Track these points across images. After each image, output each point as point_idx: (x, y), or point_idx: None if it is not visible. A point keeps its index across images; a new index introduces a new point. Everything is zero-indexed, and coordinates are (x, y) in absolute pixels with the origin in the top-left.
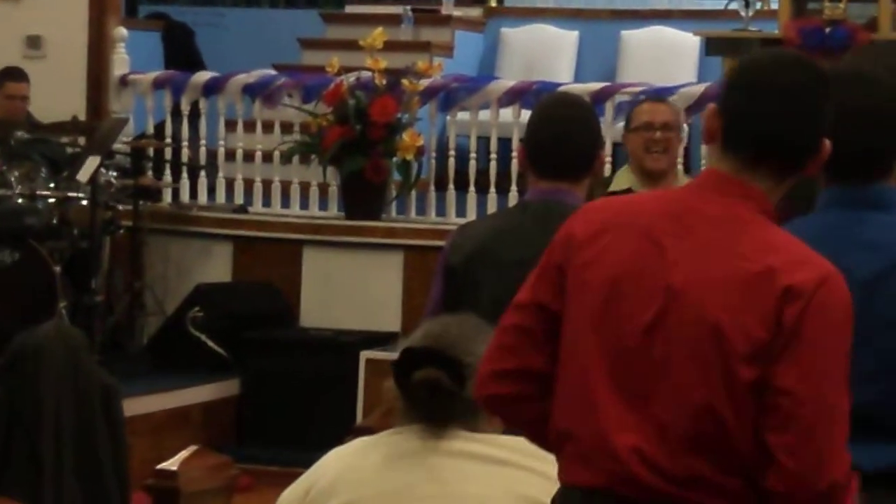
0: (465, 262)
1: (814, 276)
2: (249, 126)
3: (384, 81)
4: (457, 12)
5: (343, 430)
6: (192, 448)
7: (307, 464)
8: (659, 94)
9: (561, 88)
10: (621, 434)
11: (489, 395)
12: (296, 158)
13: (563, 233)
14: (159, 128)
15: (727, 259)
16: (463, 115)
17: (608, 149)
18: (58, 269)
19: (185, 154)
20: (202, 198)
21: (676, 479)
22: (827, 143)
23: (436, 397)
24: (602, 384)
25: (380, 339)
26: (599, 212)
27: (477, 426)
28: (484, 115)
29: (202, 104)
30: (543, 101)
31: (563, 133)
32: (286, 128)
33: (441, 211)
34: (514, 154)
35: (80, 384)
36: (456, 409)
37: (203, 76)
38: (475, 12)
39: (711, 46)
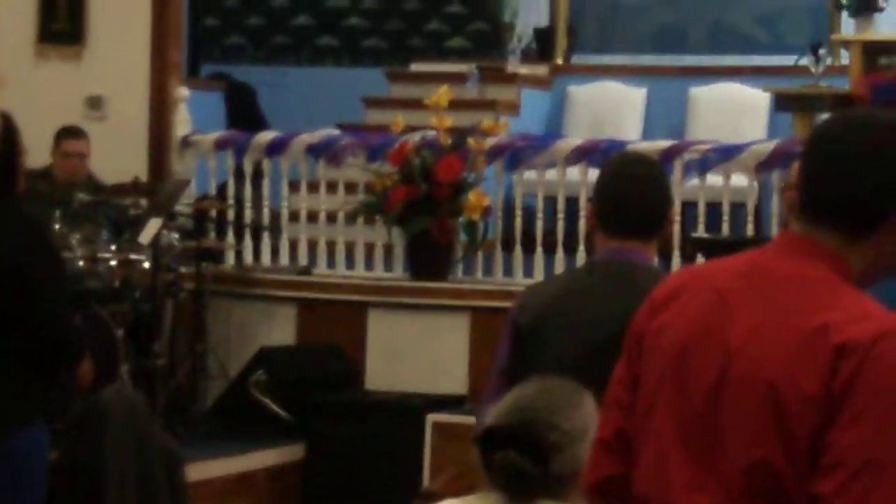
0: (532, 322)
1: (871, 330)
2: (313, 186)
3: (449, 140)
4: (523, 70)
5: (409, 495)
6: None
7: None
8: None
9: (629, 146)
10: (691, 497)
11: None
12: (360, 219)
13: (647, 301)
14: (222, 189)
15: (787, 316)
16: (529, 175)
17: (677, 207)
18: (120, 332)
19: (248, 215)
20: (265, 259)
21: None
22: None
23: (517, 478)
24: (674, 448)
25: (446, 403)
26: (678, 276)
27: (565, 497)
28: (551, 174)
29: (265, 164)
30: (613, 159)
31: (632, 192)
32: (350, 188)
33: (508, 271)
34: (582, 213)
35: (143, 450)
36: (539, 487)
37: (266, 136)
38: (541, 70)
39: (781, 103)
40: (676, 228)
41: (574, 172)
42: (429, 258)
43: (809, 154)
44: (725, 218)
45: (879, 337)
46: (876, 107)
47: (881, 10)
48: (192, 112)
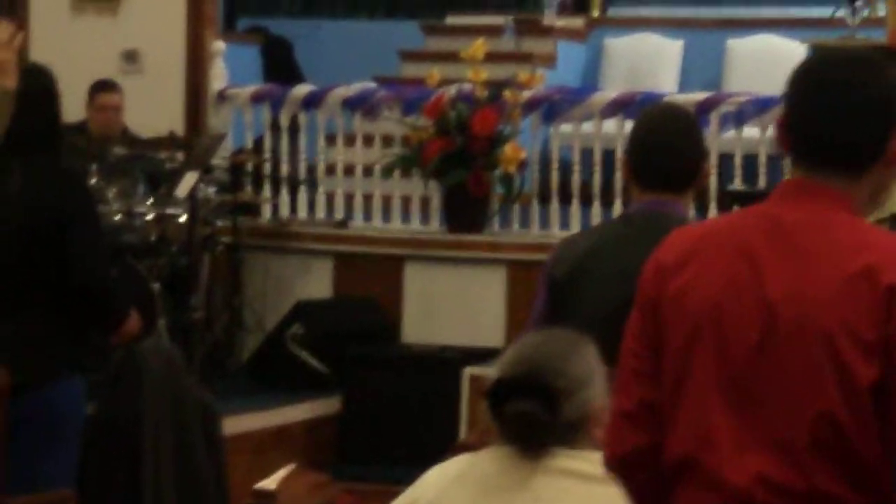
0: (567, 274)
1: None
2: (349, 140)
3: (485, 93)
4: (559, 23)
5: (445, 448)
6: (291, 466)
7: (409, 481)
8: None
9: (665, 99)
10: (743, 458)
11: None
12: (397, 172)
13: (652, 265)
14: (258, 142)
15: (823, 264)
16: (566, 127)
17: (714, 160)
18: (156, 286)
19: (285, 169)
20: (302, 213)
21: (802, 498)
22: None
23: (530, 427)
24: (718, 409)
25: (483, 355)
26: (685, 238)
27: (576, 443)
28: (587, 126)
29: (301, 118)
30: (646, 112)
31: (666, 144)
32: (387, 141)
33: (544, 224)
34: (619, 166)
35: (180, 403)
36: (551, 434)
37: (302, 90)
38: (578, 22)
39: None
40: (713, 181)
41: (610, 125)
42: (465, 211)
43: (805, 97)
44: (762, 170)
45: None
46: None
47: None
48: (228, 66)
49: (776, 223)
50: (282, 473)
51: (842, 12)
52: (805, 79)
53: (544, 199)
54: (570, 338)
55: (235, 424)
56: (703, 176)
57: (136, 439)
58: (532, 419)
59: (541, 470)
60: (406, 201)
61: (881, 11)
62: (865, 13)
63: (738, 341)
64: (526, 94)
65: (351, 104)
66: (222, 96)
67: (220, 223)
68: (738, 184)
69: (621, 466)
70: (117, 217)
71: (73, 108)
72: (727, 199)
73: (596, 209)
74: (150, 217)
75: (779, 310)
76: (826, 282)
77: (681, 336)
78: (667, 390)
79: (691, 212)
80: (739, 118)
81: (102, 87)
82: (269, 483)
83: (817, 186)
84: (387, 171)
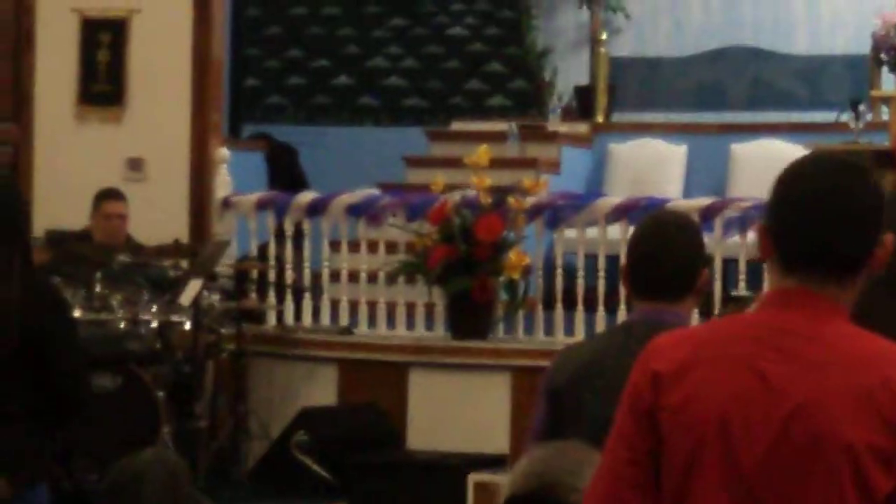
0: (568, 383)
1: None
2: (354, 246)
3: (489, 200)
4: (563, 128)
5: None
6: None
7: None
8: None
9: (669, 205)
10: None
11: None
12: (401, 279)
13: (645, 374)
14: (263, 249)
15: (836, 375)
16: (570, 233)
17: (718, 265)
18: (161, 394)
19: (289, 276)
20: (307, 320)
21: None
22: (889, 238)
23: None
24: None
25: (488, 462)
26: (678, 346)
27: None
28: (592, 232)
29: (306, 225)
30: (644, 219)
31: (659, 252)
32: (391, 248)
33: (549, 330)
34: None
35: None
36: None
37: (306, 197)
38: (582, 128)
39: None
40: (717, 286)
41: (615, 230)
42: (469, 318)
43: (797, 205)
44: (766, 276)
45: None
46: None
47: None
48: (233, 173)
49: (777, 333)
50: None
51: (845, 117)
52: (794, 186)
53: (549, 305)
54: (581, 451)
55: None
56: (703, 283)
57: None
58: None
59: None
60: (410, 308)
61: (884, 115)
62: (868, 117)
63: (748, 454)
64: (530, 200)
65: (355, 211)
66: (227, 203)
67: (224, 330)
68: (741, 289)
69: None
70: (122, 325)
71: (77, 216)
72: (731, 305)
73: (600, 315)
74: (154, 325)
75: (792, 422)
76: (843, 394)
77: (684, 449)
78: (667, 502)
79: (695, 318)
80: (743, 223)
81: (108, 195)
82: None
83: (813, 295)
84: (391, 278)
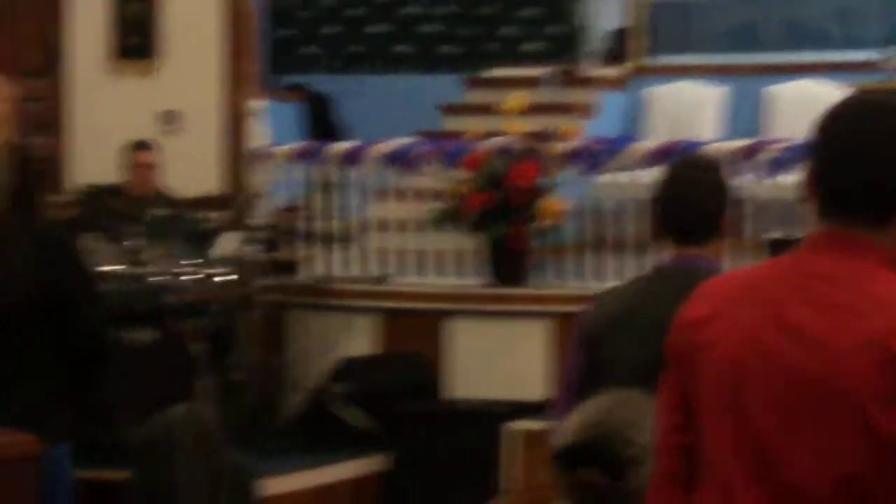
0: (601, 331)
1: None
2: (390, 195)
3: (525, 146)
4: (599, 72)
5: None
6: None
7: None
8: None
9: (705, 147)
10: None
11: None
12: (437, 227)
13: (678, 321)
14: (298, 200)
15: (853, 318)
16: (606, 178)
17: (753, 207)
18: (198, 347)
19: (325, 226)
20: (343, 270)
21: None
22: None
23: (597, 496)
24: (740, 470)
25: (527, 409)
26: (711, 292)
27: None
28: (627, 176)
29: (341, 175)
30: (671, 163)
31: (684, 196)
32: (427, 196)
33: (584, 275)
34: None
35: (213, 467)
36: (614, 501)
37: (341, 146)
38: (617, 72)
39: None
40: (751, 228)
41: (651, 174)
42: (506, 264)
43: (835, 145)
44: (806, 218)
45: None
46: None
47: None
48: (270, 123)
49: (807, 276)
50: None
51: (880, 55)
52: (833, 127)
53: (585, 251)
54: (639, 403)
55: (279, 485)
56: (727, 227)
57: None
58: (600, 489)
59: None
60: (447, 256)
61: None
62: None
63: (761, 400)
64: (565, 146)
65: (390, 159)
66: (262, 154)
67: (261, 282)
68: (777, 231)
69: None
70: (157, 278)
71: (112, 170)
72: (766, 247)
73: (636, 260)
74: (190, 278)
75: (804, 367)
76: (854, 335)
77: (707, 395)
78: (699, 449)
79: (728, 261)
80: (780, 164)
81: (137, 146)
82: None
83: (846, 238)
84: (427, 226)
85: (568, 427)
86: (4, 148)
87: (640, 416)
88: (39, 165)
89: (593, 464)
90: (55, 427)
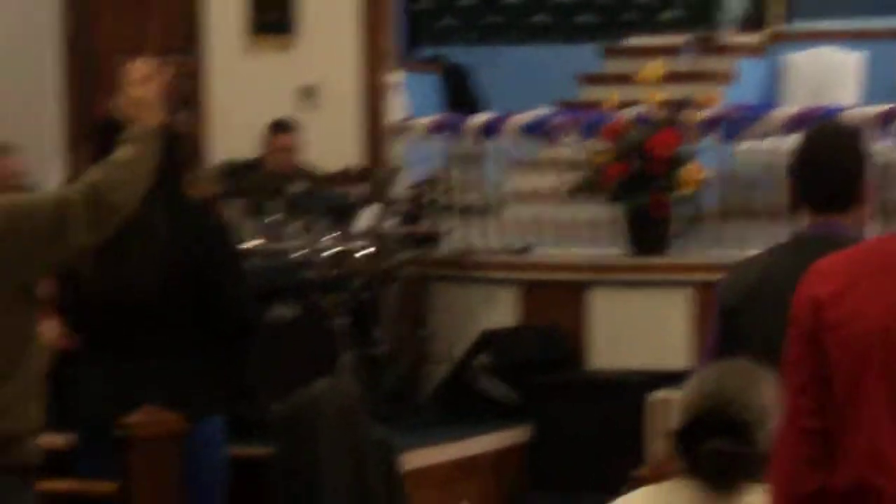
0: (739, 302)
1: None
2: (529, 166)
3: (664, 114)
4: (737, 39)
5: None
6: None
7: None
8: None
9: (845, 113)
10: None
11: None
12: (577, 197)
13: (805, 298)
14: (438, 172)
15: None
16: (746, 145)
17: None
18: (340, 321)
19: (466, 198)
20: (484, 242)
21: None
22: None
23: (726, 464)
24: (891, 433)
25: (669, 379)
26: (837, 268)
27: (762, 477)
28: (768, 143)
29: (480, 146)
30: (808, 131)
31: (822, 163)
32: (566, 166)
33: (727, 244)
34: None
35: (356, 442)
36: (747, 468)
37: (480, 118)
38: (756, 38)
39: None
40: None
41: (792, 141)
42: (647, 234)
43: None
44: None
45: None
46: None
47: None
48: (408, 96)
49: None
50: None
51: None
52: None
53: (726, 219)
54: (748, 369)
55: (422, 457)
56: (868, 193)
57: (314, 478)
58: (728, 456)
59: None
60: (587, 226)
61: None
62: None
63: None
64: (704, 114)
65: (529, 130)
66: (401, 127)
67: (402, 255)
68: None
69: None
70: (298, 253)
71: (250, 146)
72: None
73: (778, 227)
74: (331, 252)
75: None
76: None
77: (847, 364)
78: (835, 418)
79: (874, 227)
80: None
81: (278, 128)
82: None
83: None
84: (566, 197)
85: (682, 404)
86: (158, 130)
87: (749, 381)
88: (187, 144)
89: (716, 434)
90: (204, 404)
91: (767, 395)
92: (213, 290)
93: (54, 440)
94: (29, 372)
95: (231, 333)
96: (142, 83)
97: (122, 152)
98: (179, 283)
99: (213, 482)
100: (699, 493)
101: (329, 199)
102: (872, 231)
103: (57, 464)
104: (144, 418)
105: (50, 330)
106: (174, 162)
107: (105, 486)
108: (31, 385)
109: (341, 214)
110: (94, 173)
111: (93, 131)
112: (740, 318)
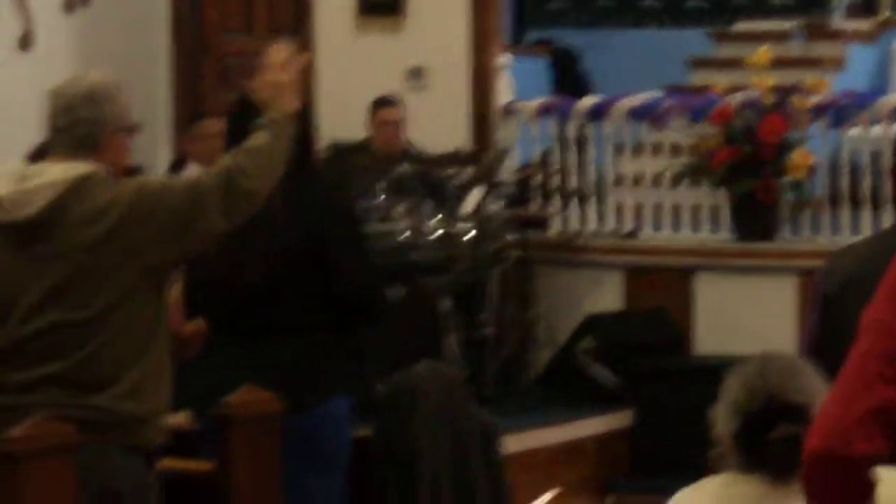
0: (838, 290)
1: None
2: (637, 150)
3: (772, 100)
4: (848, 25)
5: None
6: (556, 491)
7: None
8: None
9: None
10: None
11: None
12: (685, 182)
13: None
14: (545, 155)
15: None
16: (855, 132)
17: None
18: (446, 303)
19: (573, 181)
20: (591, 225)
21: None
22: None
23: (796, 449)
24: None
25: None
26: None
27: None
28: (877, 130)
29: (588, 130)
30: None
31: None
32: (674, 151)
33: (835, 230)
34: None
35: (457, 425)
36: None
37: (588, 101)
38: (867, 24)
39: None
40: None
41: None
42: (754, 219)
43: None
44: None
45: None
46: None
47: None
48: (517, 79)
49: None
50: (545, 499)
51: None
52: None
53: (835, 205)
54: (785, 359)
55: (527, 440)
56: None
57: (412, 461)
58: (798, 440)
59: (794, 494)
60: (695, 210)
61: None
62: None
63: None
64: (813, 100)
65: (637, 114)
66: (508, 110)
67: (508, 238)
68: None
69: (832, 467)
70: (405, 235)
71: (359, 127)
72: None
73: (887, 214)
74: (437, 234)
75: None
76: None
77: None
78: None
79: None
80: None
81: (382, 102)
82: None
83: None
84: (674, 181)
85: (730, 408)
86: (294, 116)
87: (790, 369)
88: (313, 126)
89: (778, 422)
90: (331, 380)
91: (813, 377)
92: (337, 268)
93: (180, 421)
94: (156, 355)
95: (354, 314)
96: (280, 67)
97: (259, 138)
98: (305, 261)
99: (337, 462)
100: (764, 483)
101: (436, 181)
102: None
103: (182, 445)
104: (243, 397)
105: (176, 315)
106: (305, 143)
107: (205, 466)
108: (158, 368)
109: (448, 196)
110: (230, 159)
111: (227, 113)
112: (839, 307)
